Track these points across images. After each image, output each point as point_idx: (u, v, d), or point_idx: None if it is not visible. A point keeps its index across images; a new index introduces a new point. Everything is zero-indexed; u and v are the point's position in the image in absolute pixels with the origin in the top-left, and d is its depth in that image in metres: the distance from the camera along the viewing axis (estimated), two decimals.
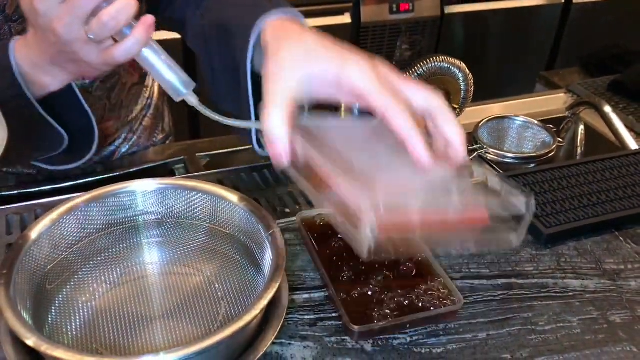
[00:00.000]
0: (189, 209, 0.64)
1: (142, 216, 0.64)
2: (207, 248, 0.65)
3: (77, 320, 0.59)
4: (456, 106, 0.94)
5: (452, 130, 0.56)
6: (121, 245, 0.64)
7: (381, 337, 0.63)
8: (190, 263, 0.65)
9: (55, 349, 0.48)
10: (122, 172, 0.95)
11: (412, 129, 0.52)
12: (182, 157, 1.02)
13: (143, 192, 0.64)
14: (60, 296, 0.60)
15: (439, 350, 0.62)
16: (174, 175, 0.97)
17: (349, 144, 0.58)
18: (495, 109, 1.08)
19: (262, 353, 0.55)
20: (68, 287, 0.60)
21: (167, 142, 1.18)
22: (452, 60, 0.90)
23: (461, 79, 0.91)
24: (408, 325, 0.63)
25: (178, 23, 0.83)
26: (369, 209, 0.48)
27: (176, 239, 0.65)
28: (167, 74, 0.59)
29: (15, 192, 0.85)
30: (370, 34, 2.29)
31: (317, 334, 0.63)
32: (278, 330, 0.57)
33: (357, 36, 2.29)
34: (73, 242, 0.61)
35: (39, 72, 0.65)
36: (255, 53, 0.64)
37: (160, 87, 1.11)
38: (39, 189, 0.85)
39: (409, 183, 0.54)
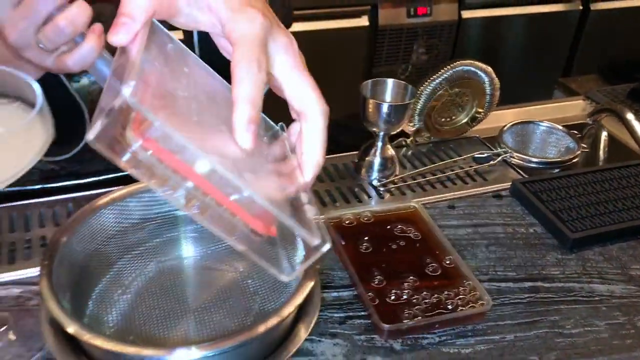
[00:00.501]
0: None
1: (178, 211, 0.65)
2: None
3: (114, 312, 0.60)
4: (481, 110, 0.95)
5: (314, 143, 0.51)
6: (157, 240, 0.65)
7: (410, 336, 0.64)
8: (223, 258, 0.66)
9: (97, 338, 0.49)
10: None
11: (249, 101, 0.47)
12: None
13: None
14: (98, 288, 0.61)
15: (467, 351, 0.63)
16: None
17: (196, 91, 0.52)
18: (512, 115, 1.08)
19: (296, 349, 0.56)
20: (105, 279, 0.62)
21: None
22: (479, 64, 0.90)
23: (487, 83, 0.92)
24: (437, 325, 0.64)
25: None
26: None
27: (210, 234, 0.66)
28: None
29: (39, 186, 0.86)
30: (387, 37, 2.30)
31: (346, 332, 0.64)
32: (312, 326, 0.57)
33: (374, 39, 2.30)
34: (110, 235, 0.62)
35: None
36: None
37: None
38: (62, 184, 0.86)
39: (224, 144, 0.47)
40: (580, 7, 2.52)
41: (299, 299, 0.54)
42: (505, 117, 1.06)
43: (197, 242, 0.67)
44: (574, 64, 2.63)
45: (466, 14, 2.37)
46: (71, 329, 0.50)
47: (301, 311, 0.58)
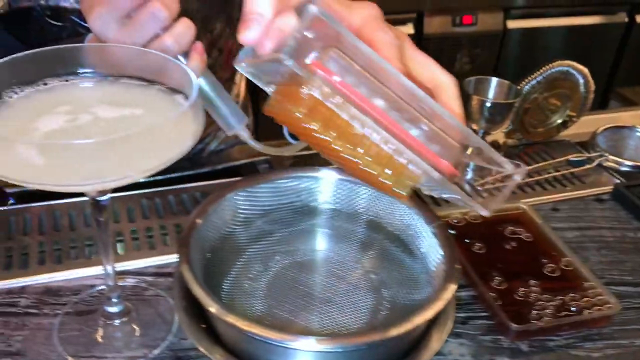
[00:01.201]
0: (350, 199, 0.64)
1: (308, 203, 0.64)
2: (367, 239, 0.65)
3: (242, 300, 0.59)
4: (574, 114, 0.93)
5: (455, 110, 0.54)
6: (285, 230, 0.64)
7: (536, 338, 0.62)
8: (350, 253, 0.65)
9: (239, 320, 0.48)
10: (209, 169, 0.96)
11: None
12: (268, 157, 1.02)
13: (309, 179, 0.64)
14: (229, 275, 0.60)
15: (596, 355, 0.61)
16: None
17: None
18: (594, 121, 1.06)
19: (436, 350, 0.54)
20: (235, 266, 0.61)
21: None
22: (576, 64, 0.89)
23: (582, 84, 0.90)
24: (565, 328, 0.62)
25: None
26: None
27: (339, 229, 0.65)
28: (221, 106, 0.56)
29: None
30: (431, 46, 2.29)
31: (470, 332, 0.62)
32: (451, 328, 0.56)
33: (418, 47, 2.28)
34: (240, 223, 0.61)
35: None
36: None
37: (246, 84, 1.12)
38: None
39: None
40: (626, 20, 2.50)
41: (445, 297, 0.52)
42: (588, 123, 1.03)
43: (324, 235, 0.66)
44: (615, 76, 2.60)
45: (511, 24, 2.36)
46: (213, 308, 0.49)
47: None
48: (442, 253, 0.57)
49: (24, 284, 0.64)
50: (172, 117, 0.48)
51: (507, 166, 0.49)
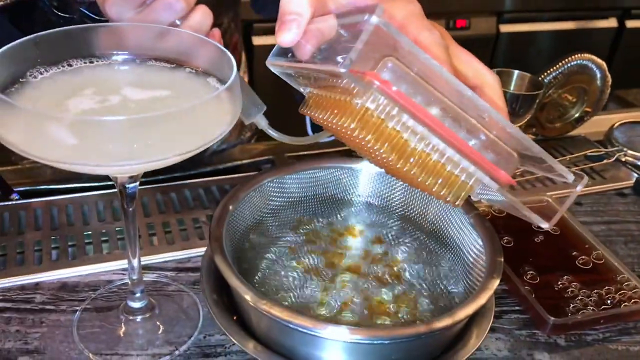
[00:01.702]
0: (385, 193, 0.62)
1: (337, 194, 0.62)
2: (400, 232, 0.63)
3: (269, 289, 0.57)
4: (590, 109, 0.92)
5: (500, 106, 0.53)
6: (313, 221, 0.62)
7: (573, 332, 0.60)
8: (383, 246, 0.63)
9: (273, 306, 0.46)
10: (211, 169, 0.94)
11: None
12: (270, 157, 1.00)
13: (340, 170, 0.62)
14: (257, 265, 0.58)
15: (636, 349, 0.59)
16: None
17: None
18: (607, 120, 1.05)
19: (477, 347, 0.52)
20: (267, 258, 0.59)
21: (253, 140, 1.16)
22: (595, 57, 0.88)
23: (599, 79, 0.89)
24: (602, 321, 0.60)
25: None
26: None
27: (370, 220, 0.63)
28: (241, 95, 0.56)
29: None
30: None
31: (505, 327, 0.60)
32: (491, 323, 0.54)
33: None
34: (269, 214, 0.59)
35: None
36: None
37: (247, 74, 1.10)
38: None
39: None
40: (616, 25, 2.53)
41: (486, 295, 0.50)
42: (598, 122, 1.03)
43: (355, 227, 0.64)
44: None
45: (504, 28, 2.37)
46: (248, 296, 0.47)
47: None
48: (481, 244, 0.55)
49: (38, 279, 0.61)
50: (206, 100, 0.45)
51: (569, 176, 0.47)
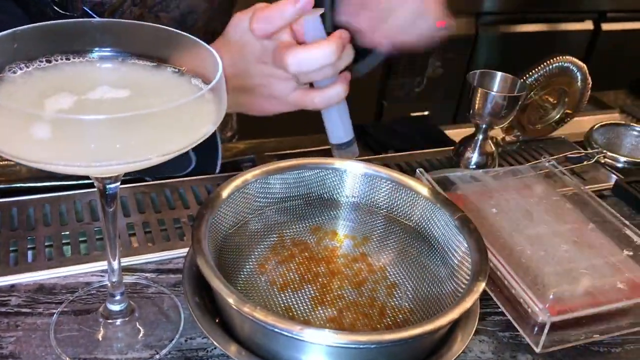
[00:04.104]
0: (370, 192, 0.61)
1: (322, 194, 0.61)
2: (385, 233, 0.62)
3: (252, 292, 0.56)
4: (570, 111, 0.92)
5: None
6: (297, 222, 0.61)
7: (556, 332, 0.60)
8: (367, 247, 0.62)
9: (257, 309, 0.45)
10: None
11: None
12: (251, 156, 1.00)
13: (324, 170, 0.61)
14: (240, 268, 0.57)
15: (617, 350, 0.60)
16: None
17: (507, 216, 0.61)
18: (587, 121, 1.06)
19: (462, 350, 0.52)
20: (249, 259, 0.58)
21: (234, 140, 1.15)
22: (575, 60, 0.88)
23: (580, 79, 0.90)
24: (584, 322, 0.61)
25: None
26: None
27: (355, 221, 0.62)
28: (337, 122, 0.62)
29: None
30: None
31: (488, 329, 0.60)
32: (475, 326, 0.54)
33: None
34: (252, 212, 0.58)
35: None
36: None
37: None
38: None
39: (574, 264, 0.59)
40: (592, 27, 2.56)
41: (473, 297, 0.50)
42: (577, 124, 1.03)
43: (339, 228, 0.63)
44: None
45: (483, 30, 2.38)
46: (232, 300, 0.46)
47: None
48: (467, 246, 0.55)
49: (14, 281, 0.59)
50: (191, 99, 0.44)
51: None
